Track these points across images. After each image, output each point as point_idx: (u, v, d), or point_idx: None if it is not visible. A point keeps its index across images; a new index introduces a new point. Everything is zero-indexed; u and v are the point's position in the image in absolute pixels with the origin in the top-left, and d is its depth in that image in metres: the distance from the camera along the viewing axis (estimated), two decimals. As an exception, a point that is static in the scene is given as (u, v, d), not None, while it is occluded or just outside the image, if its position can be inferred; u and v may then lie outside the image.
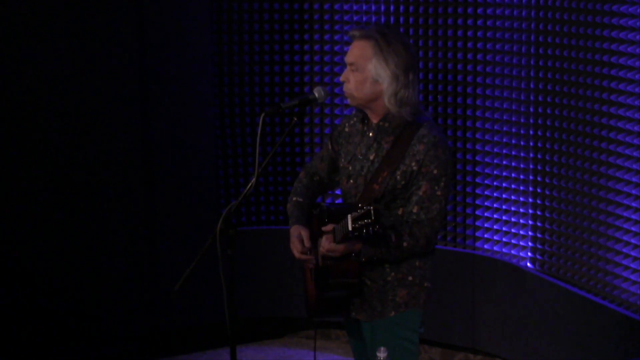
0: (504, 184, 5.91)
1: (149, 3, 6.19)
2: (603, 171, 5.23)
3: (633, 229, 5.10)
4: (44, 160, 6.05)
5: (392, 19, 6.23)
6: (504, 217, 5.93)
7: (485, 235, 6.03)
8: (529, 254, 5.82)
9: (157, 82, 6.27)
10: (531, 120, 5.69)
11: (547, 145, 5.60)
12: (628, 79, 5.04)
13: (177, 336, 6.57)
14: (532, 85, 5.66)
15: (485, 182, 5.98)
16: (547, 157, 5.61)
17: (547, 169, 5.62)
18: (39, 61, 5.98)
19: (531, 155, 5.72)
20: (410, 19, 6.16)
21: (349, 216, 3.77)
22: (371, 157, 4.12)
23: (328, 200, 6.51)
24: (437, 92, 6.12)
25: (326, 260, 4.06)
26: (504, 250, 5.95)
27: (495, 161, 5.93)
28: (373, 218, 3.71)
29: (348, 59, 4.10)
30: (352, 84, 4.09)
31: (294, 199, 4.30)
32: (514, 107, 5.79)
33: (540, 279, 5.64)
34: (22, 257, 6.06)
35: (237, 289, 3.87)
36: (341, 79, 4.13)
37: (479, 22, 5.89)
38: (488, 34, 5.85)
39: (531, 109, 5.68)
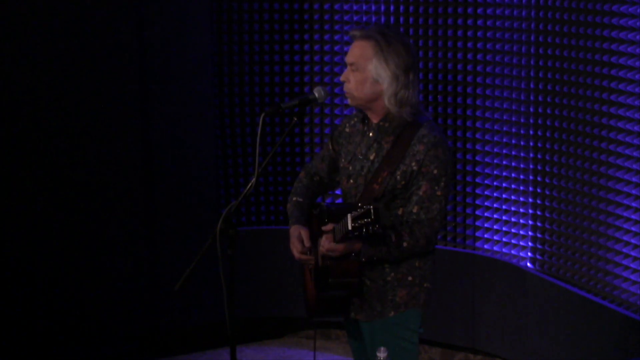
0: (504, 184, 5.91)
1: (149, 3, 6.19)
2: (603, 171, 5.23)
3: (633, 229, 5.10)
4: (44, 160, 6.04)
5: (392, 19, 6.23)
6: (504, 217, 5.93)
7: (485, 235, 6.03)
8: (529, 254, 5.82)
9: (157, 82, 6.27)
10: (531, 120, 5.69)
11: (547, 145, 5.60)
12: (628, 79, 5.04)
13: (177, 336, 6.57)
14: (532, 85, 5.66)
15: (485, 182, 5.98)
16: (547, 157, 5.61)
17: (547, 169, 5.62)
18: (39, 61, 5.97)
19: (531, 155, 5.72)
20: (410, 19, 6.16)
21: (349, 215, 3.76)
22: (371, 157, 4.12)
23: (328, 200, 6.51)
24: (437, 92, 6.12)
25: (326, 260, 4.06)
26: (504, 250, 5.95)
27: (495, 161, 5.93)
28: (373, 217, 3.71)
29: (348, 59, 4.11)
30: (353, 84, 4.09)
31: (294, 199, 4.31)
32: (514, 107, 5.79)
33: (540, 279, 5.64)
34: (22, 257, 6.06)
35: (237, 289, 3.87)
36: (341, 79, 4.14)
37: (479, 22, 5.89)
38: (488, 34, 5.85)
39: (531, 109, 5.68)
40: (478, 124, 5.97)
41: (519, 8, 5.66)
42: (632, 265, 5.12)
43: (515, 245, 5.90)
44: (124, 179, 6.23)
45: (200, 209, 6.43)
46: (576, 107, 5.38)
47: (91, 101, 6.11)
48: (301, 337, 6.81)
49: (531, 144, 5.71)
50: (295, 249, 4.15)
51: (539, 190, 5.70)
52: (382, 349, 3.53)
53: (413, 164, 4.03)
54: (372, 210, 3.71)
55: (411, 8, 6.15)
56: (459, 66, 6.01)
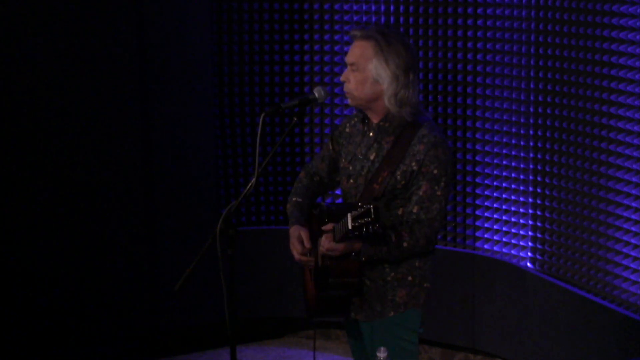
0: (504, 184, 5.91)
1: (149, 3, 6.19)
2: (603, 171, 5.23)
3: (633, 229, 5.10)
4: (44, 160, 6.04)
5: (392, 19, 6.23)
6: (504, 217, 5.93)
7: (485, 235, 6.03)
8: (529, 254, 5.82)
9: (157, 82, 6.27)
10: (531, 120, 5.69)
11: (547, 145, 5.60)
12: (628, 79, 5.04)
13: (177, 336, 6.57)
14: (532, 85, 5.66)
15: (485, 182, 5.98)
16: (547, 157, 5.61)
17: (547, 169, 5.62)
18: (39, 61, 5.97)
19: (531, 155, 5.72)
20: (410, 19, 6.16)
21: (349, 215, 3.76)
22: (371, 157, 4.12)
23: (328, 200, 6.51)
24: (437, 92, 6.12)
25: (326, 259, 4.06)
26: (504, 250, 5.95)
27: (495, 161, 5.93)
28: (373, 216, 3.71)
29: (348, 59, 4.11)
30: (353, 84, 4.09)
31: (294, 199, 4.31)
32: (514, 107, 5.79)
33: (540, 279, 5.64)
34: (22, 257, 6.06)
35: (237, 289, 3.87)
36: (341, 78, 4.14)
37: (479, 22, 5.89)
38: (488, 34, 5.85)
39: (531, 109, 5.68)
40: (478, 124, 5.97)
41: (519, 8, 5.66)
42: (632, 265, 5.12)
43: (515, 245, 5.90)
44: (124, 178, 6.23)
45: (200, 209, 6.43)
46: (576, 107, 5.38)
47: (91, 101, 6.11)
48: (301, 337, 6.81)
49: (531, 144, 5.71)
50: (296, 250, 4.15)
51: (539, 190, 5.70)
52: (382, 349, 3.53)
53: (413, 164, 4.03)
54: (372, 210, 3.71)
55: (411, 8, 6.15)
56: (459, 66, 6.01)
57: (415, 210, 4.03)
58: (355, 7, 6.39)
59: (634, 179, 5.08)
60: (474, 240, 6.07)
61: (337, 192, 6.33)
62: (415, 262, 4.12)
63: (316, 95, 4.09)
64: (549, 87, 5.54)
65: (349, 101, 4.15)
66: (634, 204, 5.09)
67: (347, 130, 4.27)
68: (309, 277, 4.26)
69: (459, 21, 5.96)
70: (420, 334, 4.19)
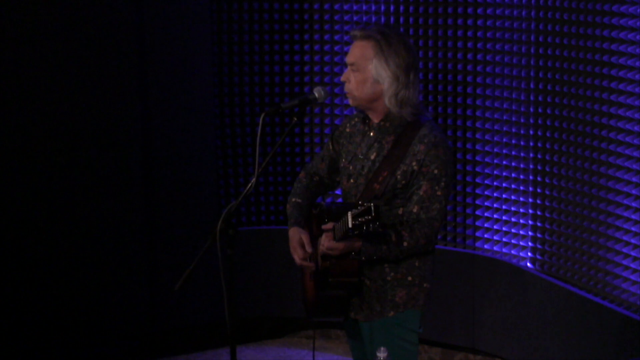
0: (504, 184, 5.91)
1: (149, 3, 6.19)
2: (603, 171, 5.23)
3: (633, 229, 5.10)
4: (44, 160, 6.04)
5: (392, 19, 6.23)
6: (504, 217, 5.93)
7: (485, 235, 6.03)
8: (529, 254, 5.82)
9: (157, 82, 6.27)
10: (531, 120, 5.69)
11: (547, 145, 5.60)
12: (628, 79, 5.04)
13: (177, 336, 6.57)
14: (532, 85, 5.66)
15: (485, 182, 5.98)
16: (547, 157, 5.61)
17: (547, 169, 5.62)
18: (39, 61, 5.97)
19: (531, 155, 5.72)
20: (410, 19, 6.16)
21: (349, 213, 3.76)
22: (372, 157, 4.12)
23: (328, 200, 6.51)
24: (437, 92, 6.12)
25: (326, 259, 4.06)
26: (504, 250, 5.95)
27: (495, 161, 5.93)
28: (373, 214, 3.70)
29: (349, 59, 4.11)
30: (353, 84, 4.09)
31: (293, 199, 4.30)
32: (514, 107, 5.79)
33: (540, 279, 5.64)
34: (22, 257, 6.05)
35: (237, 289, 3.86)
36: (342, 79, 4.14)
37: (479, 22, 5.89)
38: (488, 34, 5.85)
39: (531, 109, 5.68)
40: (478, 124, 5.97)
41: (519, 8, 5.66)
42: (632, 265, 5.12)
43: (515, 245, 5.90)
44: (124, 179, 6.23)
45: (200, 209, 6.43)
46: (576, 107, 5.38)
47: (91, 101, 6.11)
48: (301, 337, 6.81)
49: (531, 144, 5.71)
50: (297, 255, 4.15)
51: (539, 190, 5.70)
52: (382, 349, 3.53)
53: (414, 163, 4.03)
54: (372, 208, 3.70)
55: (411, 8, 6.15)
56: (459, 66, 6.01)
57: (415, 210, 4.03)
58: (355, 7, 6.39)
59: (634, 179, 5.08)
60: (474, 240, 6.07)
61: (337, 192, 6.33)
62: (415, 262, 4.12)
63: (316, 95, 4.09)
64: (549, 87, 5.54)
65: (350, 101, 4.15)
66: (634, 204, 5.09)
67: (348, 130, 4.27)
68: (308, 277, 4.26)
69: (459, 21, 5.96)
70: (420, 334, 4.19)
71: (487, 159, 5.96)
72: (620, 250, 5.18)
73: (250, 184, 3.87)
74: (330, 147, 4.32)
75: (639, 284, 5.11)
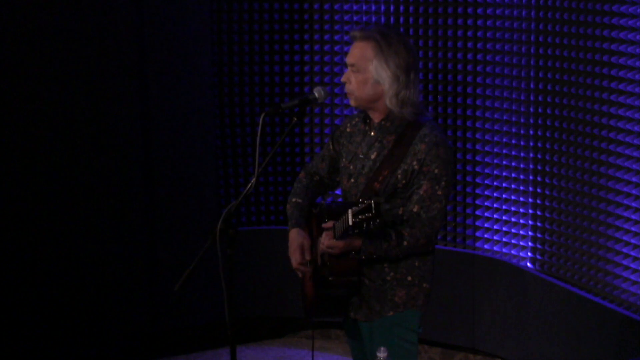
0: (504, 184, 5.91)
1: (149, 3, 6.19)
2: (603, 171, 5.23)
3: (633, 229, 5.10)
4: (44, 160, 6.04)
5: (392, 19, 6.23)
6: (504, 217, 5.93)
7: (485, 235, 6.03)
8: (529, 254, 5.82)
9: (157, 82, 6.27)
10: (531, 120, 5.69)
11: (547, 145, 5.60)
12: (628, 79, 5.04)
13: (177, 336, 6.57)
14: (532, 85, 5.66)
15: (485, 182, 5.98)
16: (547, 157, 5.61)
17: (547, 169, 5.62)
18: (39, 62, 5.97)
19: (531, 155, 5.72)
20: (410, 19, 6.16)
21: (350, 210, 3.75)
22: (372, 156, 4.12)
23: (329, 200, 6.51)
24: (437, 92, 6.12)
25: (325, 257, 4.06)
26: (504, 250, 5.95)
27: (495, 161, 5.93)
28: (374, 211, 3.70)
29: (349, 60, 4.11)
30: (354, 85, 4.09)
31: (294, 199, 4.30)
32: (514, 107, 5.79)
33: (540, 279, 5.64)
34: (22, 257, 6.05)
35: (237, 289, 3.86)
36: (342, 79, 4.14)
37: (479, 22, 5.89)
38: (488, 34, 5.85)
39: (531, 109, 5.68)
40: (478, 124, 5.97)
41: (519, 8, 5.66)
42: (632, 265, 5.12)
43: (515, 245, 5.90)
44: (124, 179, 6.23)
45: (200, 209, 6.43)
46: (576, 107, 5.38)
47: (91, 101, 6.11)
48: (301, 337, 6.81)
49: (531, 144, 5.71)
50: (294, 258, 4.15)
51: (539, 190, 5.70)
52: (382, 349, 3.53)
53: (414, 163, 4.03)
54: (372, 205, 3.70)
55: (411, 8, 6.15)
56: (459, 66, 6.01)
57: (415, 210, 4.03)
58: (355, 7, 6.39)
59: (634, 179, 5.08)
60: (474, 240, 6.07)
61: (338, 192, 6.33)
62: (415, 262, 4.12)
63: (316, 95, 4.09)
64: (549, 87, 5.54)
65: (351, 102, 4.15)
66: (634, 204, 5.09)
67: (348, 130, 4.27)
68: (307, 277, 4.26)
69: (459, 21, 5.96)
70: (419, 334, 4.19)
71: (487, 159, 5.96)
72: (620, 250, 5.17)
73: (250, 184, 3.87)
74: (331, 147, 4.32)
75: (639, 284, 5.11)
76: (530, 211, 5.77)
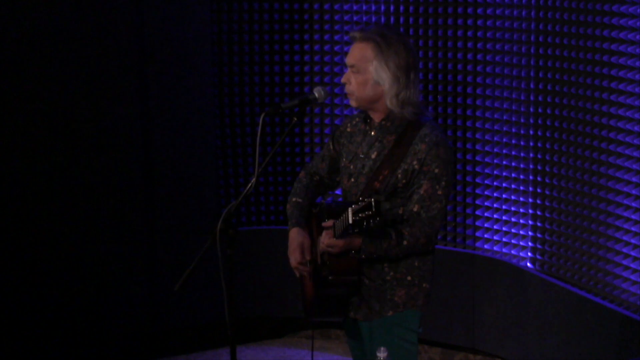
0: (504, 184, 5.91)
1: (149, 3, 6.19)
2: (603, 171, 5.23)
3: (633, 229, 5.10)
4: (44, 160, 6.04)
5: (392, 19, 6.23)
6: (504, 217, 5.93)
7: (485, 235, 6.03)
8: (529, 254, 5.82)
9: (157, 82, 6.27)
10: (531, 120, 5.70)
11: (547, 145, 5.60)
12: (628, 79, 5.04)
13: (177, 336, 6.57)
14: (532, 85, 5.66)
15: (485, 182, 5.99)
16: (547, 157, 5.61)
17: (547, 169, 5.62)
18: (39, 62, 5.97)
19: (531, 155, 5.72)
20: (410, 19, 6.16)
21: (350, 209, 3.75)
22: (373, 156, 4.12)
23: (329, 200, 6.51)
24: (437, 92, 6.12)
25: (325, 257, 4.06)
26: (504, 250, 5.95)
27: (495, 161, 5.93)
28: (374, 210, 3.70)
29: (349, 61, 4.11)
30: (354, 85, 4.09)
31: (294, 199, 4.30)
32: (514, 107, 5.79)
33: (540, 279, 5.64)
34: (22, 257, 6.06)
35: (237, 289, 3.86)
36: (342, 80, 4.14)
37: (479, 22, 5.89)
38: (488, 34, 5.85)
39: (531, 109, 5.68)
40: (478, 124, 5.97)
41: (519, 8, 5.66)
42: (632, 265, 5.12)
43: (515, 245, 5.90)
44: (124, 179, 6.23)
45: (200, 209, 6.43)
46: (576, 107, 5.38)
47: (91, 101, 6.11)
48: (301, 337, 6.81)
49: (531, 144, 5.72)
50: (294, 258, 4.15)
51: (539, 190, 5.70)
52: (382, 349, 3.53)
53: (414, 162, 4.03)
54: (373, 203, 3.69)
55: (411, 8, 6.15)
56: (459, 66, 6.01)
57: (416, 209, 4.03)
58: (355, 7, 6.39)
59: (634, 179, 5.08)
60: (474, 240, 6.07)
61: (338, 192, 6.33)
62: (415, 262, 4.12)
63: (316, 95, 4.09)
64: (549, 87, 5.54)
65: (351, 103, 4.15)
66: (634, 204, 5.09)
67: (349, 129, 4.27)
68: (307, 276, 4.26)
69: (459, 21, 5.97)
70: (419, 334, 4.19)
71: (487, 159, 5.96)
72: (620, 250, 5.18)
73: (250, 184, 3.87)
74: (331, 146, 4.32)
75: (639, 284, 5.11)
76: (530, 211, 5.77)
